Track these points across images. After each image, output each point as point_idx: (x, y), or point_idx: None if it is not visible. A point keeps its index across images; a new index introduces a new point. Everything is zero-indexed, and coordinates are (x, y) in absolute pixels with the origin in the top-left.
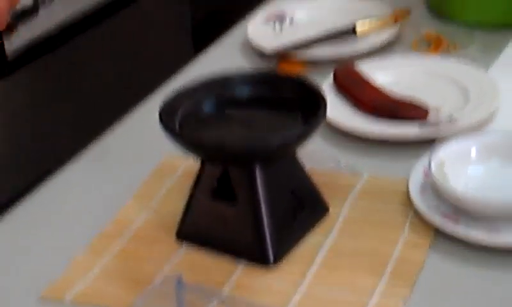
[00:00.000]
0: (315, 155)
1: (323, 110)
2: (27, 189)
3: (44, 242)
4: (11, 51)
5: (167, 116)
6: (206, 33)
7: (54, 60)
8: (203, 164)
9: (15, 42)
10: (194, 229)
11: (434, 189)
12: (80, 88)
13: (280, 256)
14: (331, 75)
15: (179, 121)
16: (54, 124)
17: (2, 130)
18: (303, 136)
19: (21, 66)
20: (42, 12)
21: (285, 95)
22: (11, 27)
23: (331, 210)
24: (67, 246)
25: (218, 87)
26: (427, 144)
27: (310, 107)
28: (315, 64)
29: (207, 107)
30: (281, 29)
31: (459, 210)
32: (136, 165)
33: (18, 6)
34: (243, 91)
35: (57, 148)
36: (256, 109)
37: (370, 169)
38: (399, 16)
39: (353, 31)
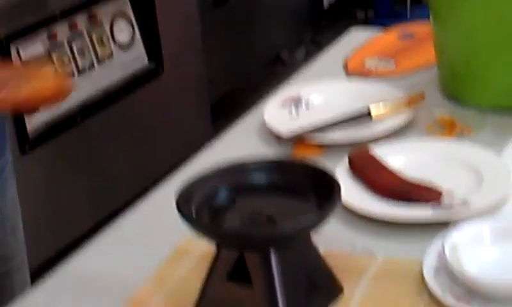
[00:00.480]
0: (330, 237)
1: (337, 196)
2: (44, 268)
3: None
4: (32, 129)
5: (183, 203)
6: (224, 110)
7: (74, 137)
8: (219, 248)
9: (36, 120)
10: None
11: (448, 272)
12: (98, 164)
13: None
14: (347, 159)
15: (195, 208)
16: (72, 198)
17: (22, 204)
18: (317, 222)
19: (42, 143)
20: None
21: (299, 181)
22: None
23: (345, 291)
24: None
25: (233, 175)
26: (440, 226)
27: (324, 192)
28: (331, 147)
29: (223, 193)
30: (297, 113)
31: (472, 292)
32: (153, 247)
33: None
34: (257, 178)
35: (75, 221)
36: (271, 195)
37: (384, 251)
38: (413, 100)
39: (368, 114)
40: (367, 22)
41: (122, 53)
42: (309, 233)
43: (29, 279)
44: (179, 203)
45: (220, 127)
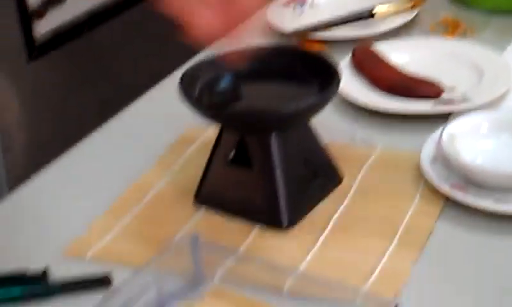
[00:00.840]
0: (332, 128)
1: (337, 81)
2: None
3: (68, 204)
4: (40, 35)
5: (187, 85)
6: None
7: (82, 44)
8: (221, 131)
9: (44, 27)
10: (212, 194)
11: (445, 160)
12: (106, 74)
13: (293, 220)
14: (350, 54)
15: (198, 91)
16: (79, 107)
17: (30, 111)
18: (317, 105)
19: (49, 51)
20: None
21: (301, 69)
22: (40, 12)
23: (344, 179)
24: (89, 208)
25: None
26: (440, 120)
27: (325, 77)
28: (334, 44)
29: (226, 78)
30: (301, 12)
31: (468, 180)
32: (159, 135)
33: None
34: (260, 64)
35: (82, 130)
36: (273, 81)
37: (384, 142)
38: (417, 2)
39: (371, 14)
40: None
41: None
42: (309, 118)
43: None
44: (182, 86)
45: None
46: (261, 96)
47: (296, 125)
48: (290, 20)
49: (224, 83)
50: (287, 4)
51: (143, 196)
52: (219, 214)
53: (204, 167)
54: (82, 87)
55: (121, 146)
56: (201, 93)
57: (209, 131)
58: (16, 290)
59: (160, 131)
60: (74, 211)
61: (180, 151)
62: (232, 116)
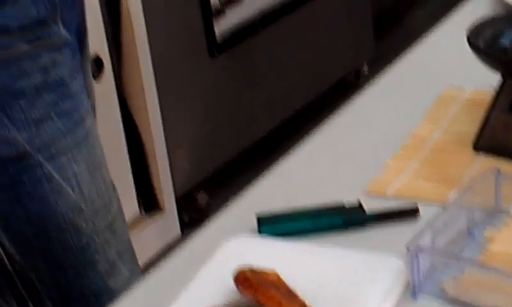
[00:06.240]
0: None
1: None
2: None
3: (358, 151)
4: (219, 33)
5: (473, 37)
6: (387, 25)
7: (257, 43)
8: (504, 79)
9: (222, 25)
10: (491, 141)
11: None
12: (280, 69)
13: None
14: None
15: (483, 44)
16: (251, 103)
17: (209, 104)
18: None
19: (228, 48)
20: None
21: None
22: (219, 11)
23: None
24: (377, 154)
25: None
26: None
27: None
28: None
29: (509, 34)
30: None
31: None
32: (420, 94)
33: None
34: None
35: (253, 125)
36: None
37: None
38: None
39: None
40: None
41: None
42: None
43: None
44: (469, 37)
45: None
46: None
47: None
48: None
49: (508, 38)
50: None
51: (422, 144)
52: (499, 161)
53: (483, 116)
54: (253, 83)
55: (389, 102)
56: (486, 45)
57: (467, 92)
58: (338, 219)
59: (421, 89)
60: (365, 157)
61: (444, 109)
62: None
